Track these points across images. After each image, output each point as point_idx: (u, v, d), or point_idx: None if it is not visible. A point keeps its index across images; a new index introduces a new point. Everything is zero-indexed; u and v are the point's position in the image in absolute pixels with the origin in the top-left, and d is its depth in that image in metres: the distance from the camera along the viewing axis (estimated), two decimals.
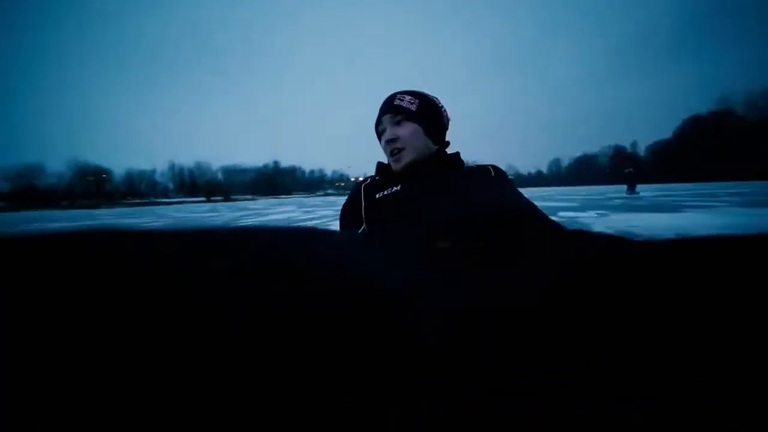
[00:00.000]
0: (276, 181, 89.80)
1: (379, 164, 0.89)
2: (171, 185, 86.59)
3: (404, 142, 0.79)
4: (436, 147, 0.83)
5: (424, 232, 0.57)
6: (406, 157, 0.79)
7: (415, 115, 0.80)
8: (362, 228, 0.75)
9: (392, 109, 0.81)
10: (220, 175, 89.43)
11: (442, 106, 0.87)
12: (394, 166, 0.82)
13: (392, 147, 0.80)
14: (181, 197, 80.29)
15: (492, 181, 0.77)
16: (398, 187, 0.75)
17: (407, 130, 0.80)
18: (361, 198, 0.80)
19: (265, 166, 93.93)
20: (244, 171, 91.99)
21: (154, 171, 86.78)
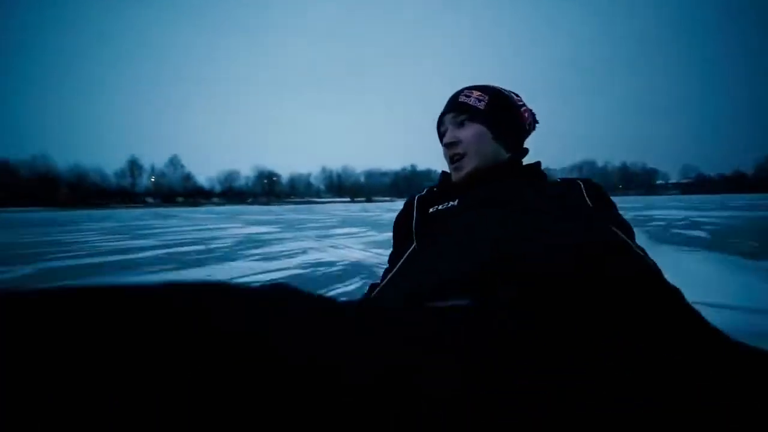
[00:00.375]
0: (413, 183, 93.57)
1: (442, 173, 0.77)
2: (322, 186, 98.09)
3: (466, 146, 0.68)
4: (509, 155, 0.70)
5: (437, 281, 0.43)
6: (468, 165, 0.68)
7: (482, 114, 0.68)
8: (413, 246, 0.63)
9: (456, 107, 0.70)
10: (362, 178, 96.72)
11: (523, 105, 0.73)
12: (454, 176, 0.71)
13: (452, 152, 0.69)
14: (330, 197, 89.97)
15: (583, 200, 0.58)
16: (455, 202, 0.63)
17: (470, 132, 0.68)
18: (414, 211, 0.68)
19: (403, 170, 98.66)
20: (383, 174, 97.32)
21: (309, 174, 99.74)
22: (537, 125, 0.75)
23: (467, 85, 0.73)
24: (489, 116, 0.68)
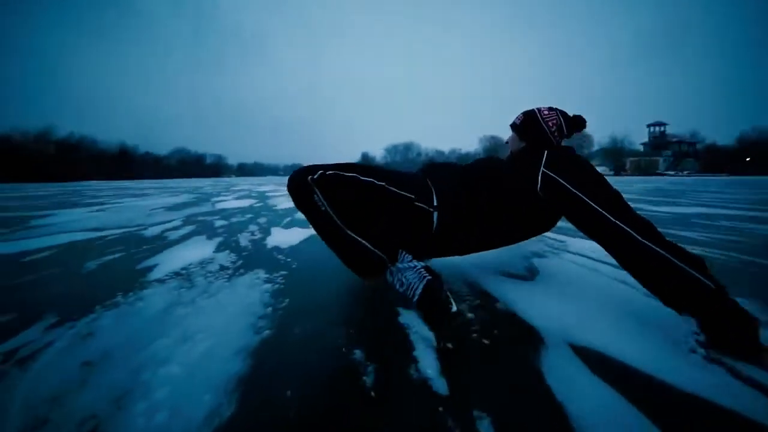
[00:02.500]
0: None
1: None
2: None
3: (510, 143, 1.32)
4: (523, 145, 1.25)
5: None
6: (509, 150, 1.32)
7: (516, 128, 1.27)
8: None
9: (512, 124, 1.29)
10: None
11: (550, 119, 1.21)
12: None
13: (507, 145, 1.34)
14: None
15: (514, 160, 1.21)
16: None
17: (511, 136, 1.31)
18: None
19: None
20: None
21: None
22: (582, 125, 1.24)
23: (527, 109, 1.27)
24: (519, 129, 1.26)
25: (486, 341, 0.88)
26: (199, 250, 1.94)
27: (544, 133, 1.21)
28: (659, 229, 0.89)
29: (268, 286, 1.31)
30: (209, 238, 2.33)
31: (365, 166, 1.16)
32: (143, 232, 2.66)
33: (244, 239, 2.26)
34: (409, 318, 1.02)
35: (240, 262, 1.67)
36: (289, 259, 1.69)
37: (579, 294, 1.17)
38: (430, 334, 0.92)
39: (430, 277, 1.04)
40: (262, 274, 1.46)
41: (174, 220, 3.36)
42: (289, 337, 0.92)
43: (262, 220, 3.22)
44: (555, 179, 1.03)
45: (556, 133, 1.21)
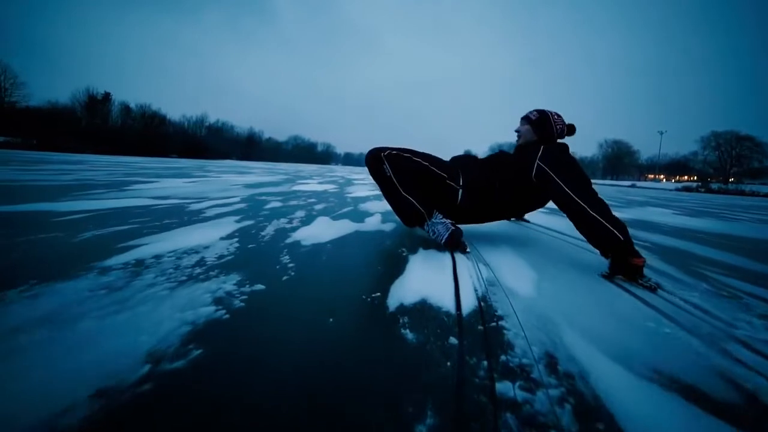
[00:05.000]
0: None
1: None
2: None
3: (522, 133, 1.63)
4: (535, 138, 1.59)
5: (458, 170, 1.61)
6: (520, 141, 1.64)
7: (532, 122, 1.59)
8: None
9: (525, 117, 1.62)
10: None
11: (558, 122, 1.58)
12: (517, 143, 1.67)
13: (517, 134, 1.65)
14: None
15: (519, 151, 1.62)
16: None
17: (525, 128, 1.61)
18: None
19: None
20: None
21: None
22: (573, 131, 1.63)
23: (538, 108, 1.72)
24: (534, 123, 1.58)
25: None
26: (207, 234, 1.59)
27: (552, 133, 1.59)
28: None
29: (208, 310, 0.81)
30: (239, 221, 1.99)
31: (417, 151, 1.60)
32: (194, 204, 2.52)
33: (272, 227, 1.85)
34: None
35: (228, 258, 1.23)
36: (291, 265, 1.19)
37: None
38: None
39: (453, 229, 1.53)
40: (229, 285, 0.97)
41: (236, 197, 3.22)
42: None
43: (319, 206, 2.84)
44: (544, 169, 1.41)
45: (559, 133, 1.60)
